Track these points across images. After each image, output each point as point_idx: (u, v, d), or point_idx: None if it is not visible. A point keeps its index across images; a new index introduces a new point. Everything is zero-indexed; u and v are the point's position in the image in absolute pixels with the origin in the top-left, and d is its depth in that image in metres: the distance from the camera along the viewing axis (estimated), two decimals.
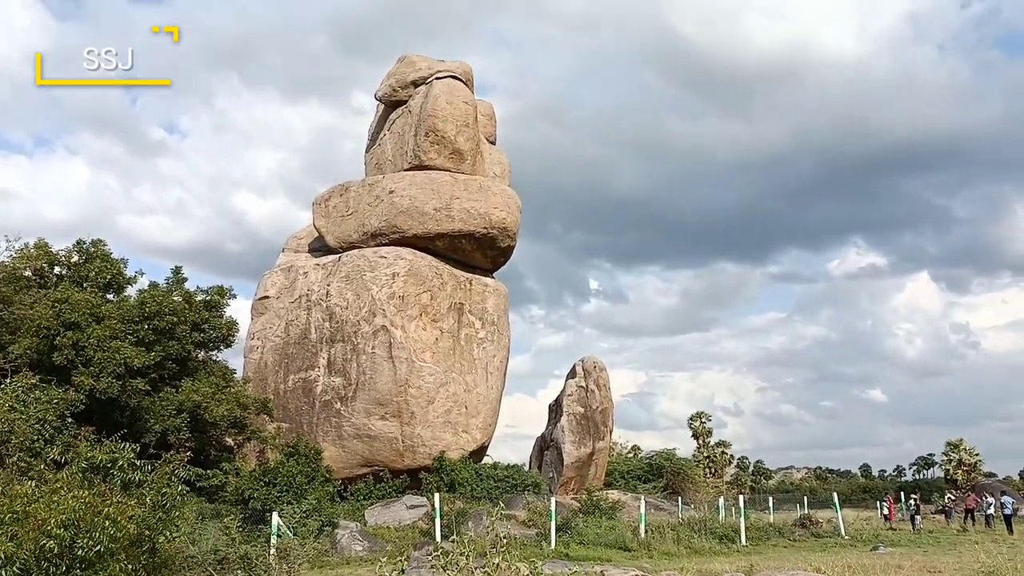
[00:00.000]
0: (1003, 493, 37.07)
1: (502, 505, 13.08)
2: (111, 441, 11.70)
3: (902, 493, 44.27)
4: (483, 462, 33.37)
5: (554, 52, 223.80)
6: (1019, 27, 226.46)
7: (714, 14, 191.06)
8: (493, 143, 38.50)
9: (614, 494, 32.17)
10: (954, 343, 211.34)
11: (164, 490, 10.71)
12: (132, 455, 10.94)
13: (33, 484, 10.05)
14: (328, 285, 32.24)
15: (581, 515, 26.42)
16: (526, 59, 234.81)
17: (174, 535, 10.88)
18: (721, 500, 31.24)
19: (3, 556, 8.32)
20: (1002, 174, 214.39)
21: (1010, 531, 30.47)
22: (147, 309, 25.20)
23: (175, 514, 10.97)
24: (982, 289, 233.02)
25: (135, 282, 28.54)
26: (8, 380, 21.45)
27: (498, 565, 8.54)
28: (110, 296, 27.57)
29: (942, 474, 69.69)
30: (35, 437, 18.46)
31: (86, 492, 9.54)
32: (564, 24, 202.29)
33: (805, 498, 45.09)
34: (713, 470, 64.21)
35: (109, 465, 10.75)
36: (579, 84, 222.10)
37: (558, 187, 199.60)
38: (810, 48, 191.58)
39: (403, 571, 8.23)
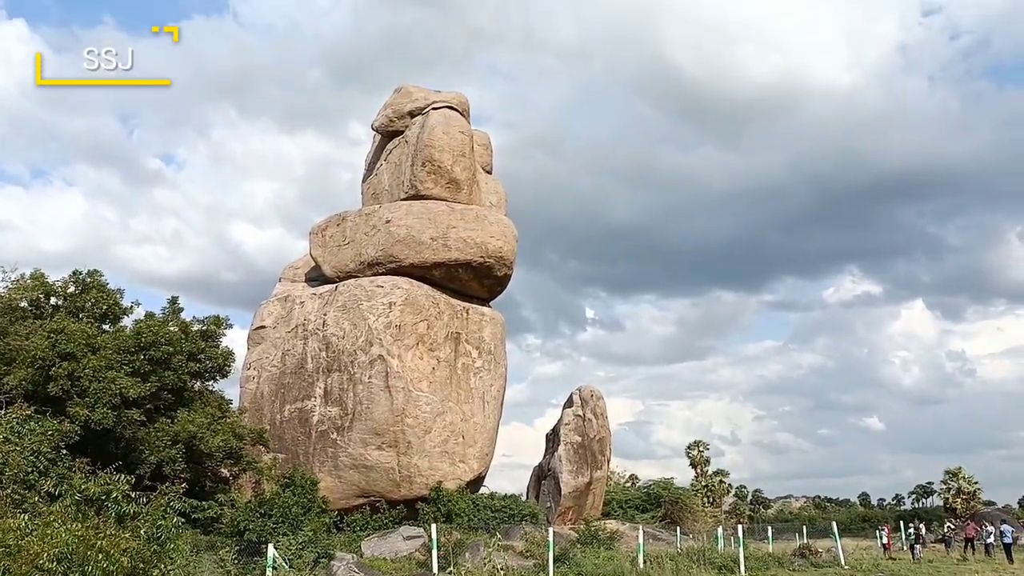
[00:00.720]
0: (1003, 522, 36.89)
1: (498, 536, 13.03)
2: (105, 473, 11.64)
3: (901, 522, 43.99)
4: (480, 492, 33.16)
5: (549, 83, 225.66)
6: (1008, 58, 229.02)
7: (707, 46, 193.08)
8: (489, 173, 38.69)
9: (612, 524, 31.99)
10: (950, 371, 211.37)
11: (159, 522, 10.66)
12: (126, 487, 10.90)
13: (26, 517, 10.00)
14: (325, 315, 32.22)
15: (579, 545, 26.25)
16: (521, 90, 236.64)
17: (168, 568, 10.80)
18: (720, 530, 31.06)
19: None
20: (994, 203, 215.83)
21: (1010, 560, 30.29)
22: (143, 339, 25.14)
23: (170, 547, 10.91)
24: (977, 317, 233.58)
25: (131, 312, 28.54)
26: (2, 411, 21.37)
27: None
28: (106, 326, 27.53)
29: (941, 503, 69.31)
30: (29, 469, 18.36)
31: (79, 525, 9.49)
32: (558, 55, 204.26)
33: (804, 527, 44.75)
34: (711, 499, 63.80)
35: (103, 497, 10.70)
36: (574, 115, 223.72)
37: (554, 217, 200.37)
38: (803, 79, 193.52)
39: None
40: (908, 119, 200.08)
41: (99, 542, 9.10)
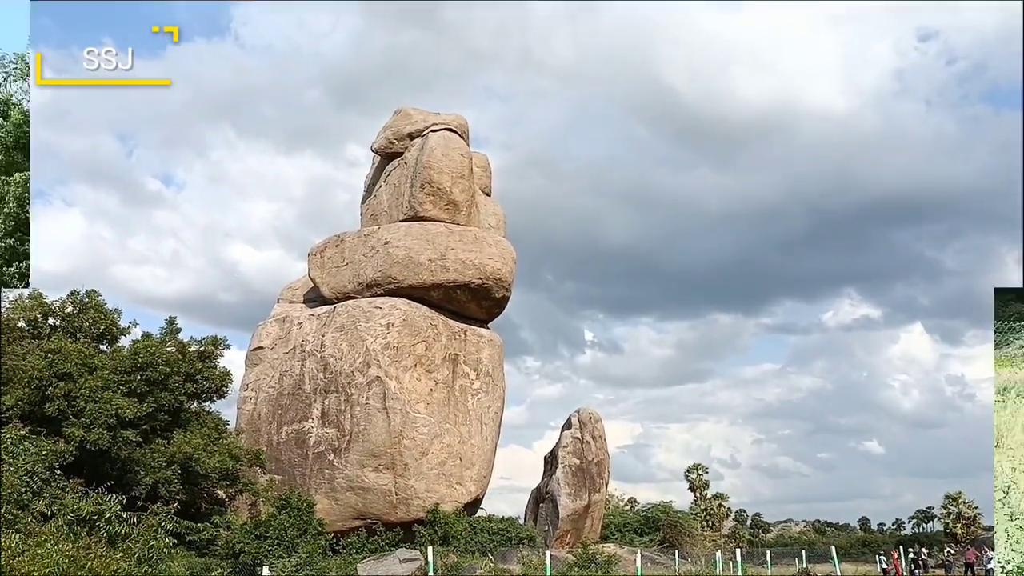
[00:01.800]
0: None
1: (491, 558, 12.96)
2: (98, 493, 11.60)
3: (901, 547, 43.70)
4: (477, 515, 32.98)
5: (546, 104, 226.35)
6: (1004, 83, 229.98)
7: (703, 68, 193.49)
8: (488, 194, 38.78)
9: (610, 548, 31.77)
10: (950, 395, 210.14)
11: (151, 543, 10.61)
12: (118, 507, 10.85)
13: (19, 537, 9.95)
14: (322, 336, 32.20)
15: (577, 569, 26.11)
16: (518, 111, 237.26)
17: None
18: (718, 554, 30.90)
19: None
20: (991, 226, 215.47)
21: None
22: (140, 360, 25.12)
23: (162, 568, 10.85)
24: (976, 341, 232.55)
25: (129, 332, 28.54)
26: None
27: None
28: (103, 347, 27.53)
29: (942, 527, 68.89)
30: (23, 489, 18.25)
31: (71, 545, 9.45)
32: (555, 77, 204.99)
33: (804, 552, 44.39)
34: (710, 523, 63.34)
35: (95, 518, 10.66)
36: (570, 136, 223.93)
37: (551, 238, 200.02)
38: (798, 102, 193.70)
39: None
40: (905, 143, 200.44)
41: (89, 563, 9.06)
